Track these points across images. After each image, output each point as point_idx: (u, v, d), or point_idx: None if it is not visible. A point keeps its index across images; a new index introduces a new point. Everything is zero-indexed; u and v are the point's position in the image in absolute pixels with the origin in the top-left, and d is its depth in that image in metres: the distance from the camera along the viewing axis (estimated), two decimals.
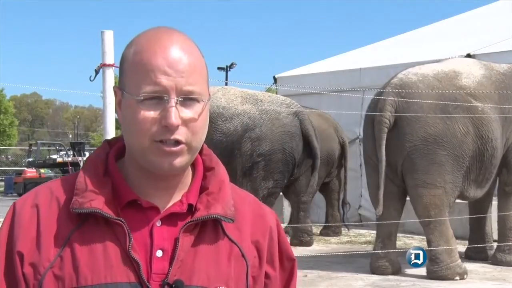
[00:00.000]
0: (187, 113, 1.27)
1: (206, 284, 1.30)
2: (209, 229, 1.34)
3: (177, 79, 1.26)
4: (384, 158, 7.88)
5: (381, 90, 8.41)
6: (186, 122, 1.27)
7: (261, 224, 1.42)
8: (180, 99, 1.26)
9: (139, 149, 1.28)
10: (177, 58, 1.27)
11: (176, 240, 1.29)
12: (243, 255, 1.36)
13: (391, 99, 8.07)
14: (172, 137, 1.26)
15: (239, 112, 9.66)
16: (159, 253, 1.28)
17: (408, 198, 8.41)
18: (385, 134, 7.97)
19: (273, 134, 9.63)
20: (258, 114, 9.69)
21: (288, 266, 1.48)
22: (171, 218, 1.32)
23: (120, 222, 1.27)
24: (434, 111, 7.97)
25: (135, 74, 1.28)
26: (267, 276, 1.42)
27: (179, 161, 1.28)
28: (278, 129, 9.67)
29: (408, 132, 7.99)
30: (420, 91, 8.08)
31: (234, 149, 9.43)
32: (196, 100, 1.29)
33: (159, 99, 1.26)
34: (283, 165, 9.65)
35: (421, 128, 7.94)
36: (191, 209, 1.34)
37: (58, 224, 1.30)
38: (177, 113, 1.26)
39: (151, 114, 1.26)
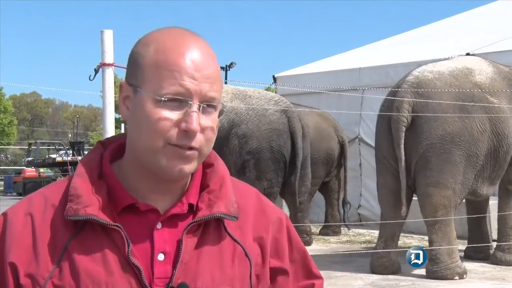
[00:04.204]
0: (206, 121, 1.24)
1: (211, 286, 1.27)
2: (211, 229, 1.31)
3: (202, 84, 1.23)
4: (403, 157, 7.84)
5: (396, 89, 8.30)
6: (203, 130, 1.24)
7: (264, 219, 1.39)
8: (203, 105, 1.23)
9: (150, 150, 1.24)
10: (204, 63, 1.24)
11: (179, 242, 1.26)
12: (246, 255, 1.33)
13: (408, 98, 8.03)
14: (190, 144, 1.22)
15: (227, 108, 9.44)
16: (160, 257, 1.25)
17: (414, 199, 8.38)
18: (403, 133, 7.92)
19: (260, 131, 9.43)
20: (244, 110, 9.50)
21: (298, 259, 1.45)
22: (171, 220, 1.29)
23: (117, 228, 1.24)
24: (453, 109, 7.93)
25: (156, 73, 1.23)
26: (274, 270, 1.39)
27: (189, 167, 1.25)
28: (264, 126, 9.46)
29: (426, 130, 7.93)
30: (437, 89, 8.04)
31: (223, 145, 9.28)
32: (215, 108, 1.26)
33: (180, 101, 1.22)
34: (273, 164, 9.46)
35: (439, 126, 7.90)
36: (192, 209, 1.31)
37: (54, 233, 1.26)
38: (198, 119, 1.22)
39: (170, 115, 1.22)
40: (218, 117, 1.28)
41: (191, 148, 1.23)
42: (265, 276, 1.37)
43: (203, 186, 1.34)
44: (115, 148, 1.35)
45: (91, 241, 1.25)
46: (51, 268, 1.24)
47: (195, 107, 1.22)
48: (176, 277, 1.24)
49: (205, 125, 1.24)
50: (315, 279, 1.49)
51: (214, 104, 1.25)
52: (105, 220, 1.24)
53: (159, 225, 1.28)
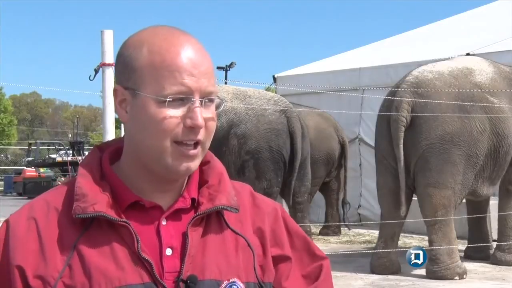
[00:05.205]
0: (206, 113, 1.29)
1: (218, 277, 1.30)
2: (213, 223, 1.35)
3: (201, 80, 1.27)
4: (402, 157, 7.86)
5: (395, 89, 8.31)
6: (205, 121, 1.28)
7: (259, 212, 1.43)
8: (206, 100, 1.28)
9: (156, 149, 1.27)
10: (200, 59, 1.28)
11: (185, 236, 1.29)
12: (249, 245, 1.37)
13: (408, 98, 8.04)
14: (196, 138, 1.27)
15: (227, 108, 9.44)
16: (168, 252, 1.29)
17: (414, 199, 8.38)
18: (403, 133, 7.93)
19: (259, 131, 9.39)
20: (244, 110, 9.48)
21: (300, 245, 1.48)
22: (175, 215, 1.32)
23: (125, 224, 1.27)
24: (452, 109, 7.94)
25: (155, 74, 1.26)
26: (276, 258, 1.42)
27: (194, 164, 1.30)
28: (263, 126, 9.42)
29: (425, 130, 7.95)
30: (437, 89, 8.05)
31: (222, 145, 9.29)
32: (212, 101, 1.31)
33: (181, 100, 1.26)
34: (272, 164, 9.42)
35: (439, 126, 7.91)
36: (193, 204, 1.34)
37: (61, 233, 1.28)
38: (202, 114, 1.27)
39: (175, 113, 1.25)
40: (216, 110, 1.32)
41: (196, 144, 1.27)
42: (268, 266, 1.40)
43: (202, 182, 1.38)
44: (112, 151, 1.38)
45: (99, 239, 1.27)
46: (60, 268, 1.25)
47: (197, 103, 1.26)
48: (185, 270, 1.27)
49: (206, 117, 1.28)
50: (321, 260, 1.51)
51: (213, 97, 1.30)
52: (113, 216, 1.26)
53: (164, 221, 1.31)
